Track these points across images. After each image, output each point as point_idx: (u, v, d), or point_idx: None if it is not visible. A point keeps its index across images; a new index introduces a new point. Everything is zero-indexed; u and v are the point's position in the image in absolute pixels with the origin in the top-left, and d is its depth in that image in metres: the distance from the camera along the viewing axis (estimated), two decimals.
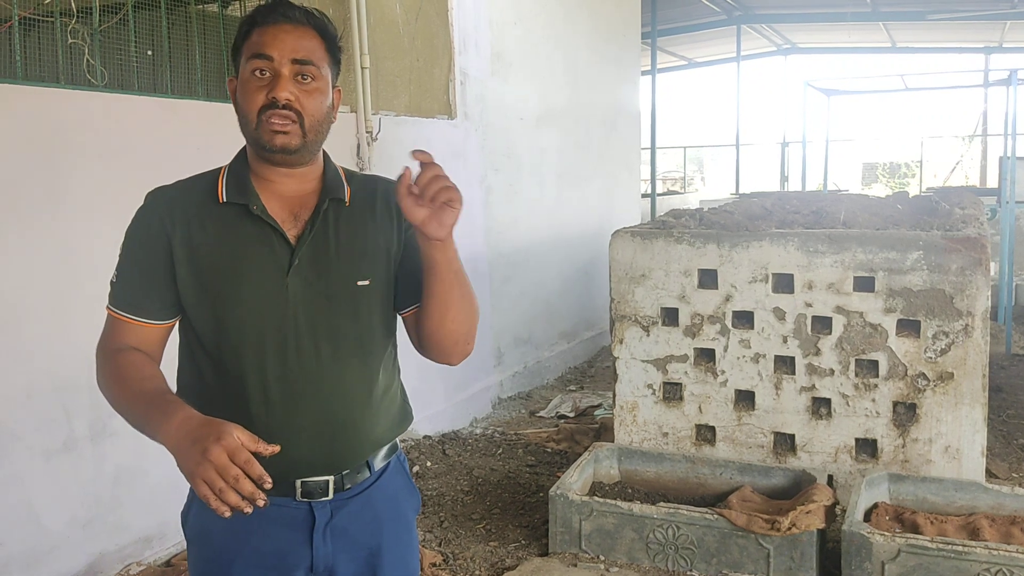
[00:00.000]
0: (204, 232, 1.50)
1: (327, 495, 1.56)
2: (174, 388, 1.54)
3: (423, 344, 1.60)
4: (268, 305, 1.50)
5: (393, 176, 1.63)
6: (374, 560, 1.62)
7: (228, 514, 1.24)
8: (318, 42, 1.50)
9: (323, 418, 1.54)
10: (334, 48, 1.54)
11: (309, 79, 1.48)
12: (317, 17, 1.52)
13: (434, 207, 1.39)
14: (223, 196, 1.52)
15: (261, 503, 1.25)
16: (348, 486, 1.59)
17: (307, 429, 1.53)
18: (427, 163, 1.38)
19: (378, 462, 1.64)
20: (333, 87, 1.55)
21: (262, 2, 1.55)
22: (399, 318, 1.67)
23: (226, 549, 1.55)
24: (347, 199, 1.57)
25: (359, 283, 1.54)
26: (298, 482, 1.54)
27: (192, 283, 1.50)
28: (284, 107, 1.45)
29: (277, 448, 1.29)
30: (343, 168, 1.63)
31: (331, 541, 1.57)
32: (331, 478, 1.56)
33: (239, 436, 1.26)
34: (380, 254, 1.57)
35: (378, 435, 1.62)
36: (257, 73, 1.46)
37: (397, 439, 1.72)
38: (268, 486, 1.25)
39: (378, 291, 1.57)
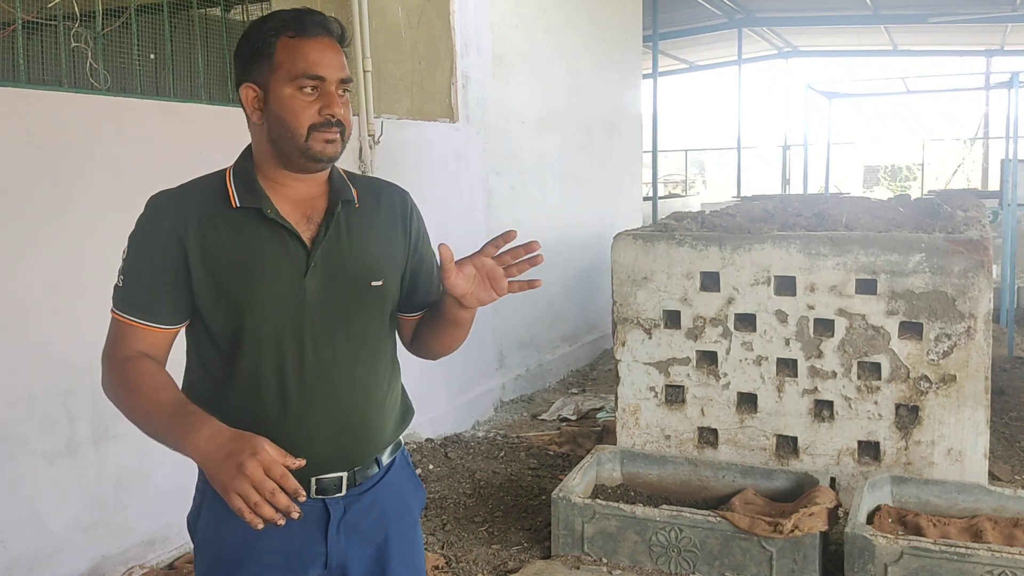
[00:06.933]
0: (219, 236, 1.51)
1: (340, 491, 1.59)
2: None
3: (415, 347, 1.76)
4: (286, 307, 1.52)
5: (393, 177, 1.65)
6: (382, 554, 1.65)
7: (261, 526, 1.27)
8: (344, 55, 1.55)
9: (338, 416, 1.57)
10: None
11: (345, 94, 1.53)
12: (343, 29, 1.56)
13: (481, 287, 1.54)
14: (235, 201, 1.52)
15: (295, 515, 1.28)
16: (360, 481, 1.62)
17: (323, 428, 1.55)
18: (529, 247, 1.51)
19: (385, 457, 1.68)
20: None
21: (268, 8, 1.56)
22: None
23: (238, 550, 1.56)
24: (356, 201, 1.61)
25: (373, 283, 1.58)
26: (313, 479, 1.56)
27: (209, 287, 1.51)
28: (336, 123, 1.50)
29: (303, 462, 1.32)
30: (344, 170, 1.66)
31: (344, 537, 1.60)
32: (344, 474, 1.59)
33: (270, 450, 1.29)
34: (390, 255, 1.62)
35: (388, 430, 1.67)
36: (308, 90, 1.49)
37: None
38: (303, 499, 1.29)
39: (389, 291, 1.62)
